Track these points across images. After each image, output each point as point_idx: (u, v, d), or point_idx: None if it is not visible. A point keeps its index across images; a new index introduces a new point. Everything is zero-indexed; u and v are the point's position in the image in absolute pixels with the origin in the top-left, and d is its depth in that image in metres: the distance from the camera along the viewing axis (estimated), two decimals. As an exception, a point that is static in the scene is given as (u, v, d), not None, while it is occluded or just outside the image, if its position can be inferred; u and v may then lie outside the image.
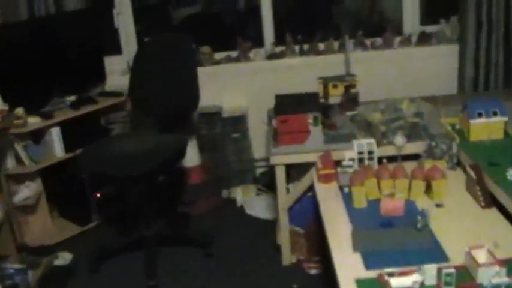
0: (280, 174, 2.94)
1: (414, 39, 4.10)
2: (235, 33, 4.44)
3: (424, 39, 4.08)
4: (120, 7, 4.14)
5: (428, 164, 2.63)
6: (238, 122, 4.01)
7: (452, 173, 2.71)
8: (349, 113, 3.35)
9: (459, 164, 2.78)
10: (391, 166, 2.57)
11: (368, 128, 2.93)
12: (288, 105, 2.88)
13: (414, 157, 2.86)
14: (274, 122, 2.91)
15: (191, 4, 5.06)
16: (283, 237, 3.10)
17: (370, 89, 3.50)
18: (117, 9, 4.14)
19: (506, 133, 2.85)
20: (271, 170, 4.14)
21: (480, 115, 2.81)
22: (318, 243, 3.07)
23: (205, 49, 4.14)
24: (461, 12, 3.82)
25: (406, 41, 4.10)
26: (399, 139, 2.79)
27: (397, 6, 4.24)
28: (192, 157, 3.79)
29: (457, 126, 3.03)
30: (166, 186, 3.56)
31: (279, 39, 4.20)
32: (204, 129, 3.99)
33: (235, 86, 4.09)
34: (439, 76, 4.03)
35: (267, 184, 4.05)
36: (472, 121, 2.81)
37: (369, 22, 4.58)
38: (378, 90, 3.69)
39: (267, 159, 4.22)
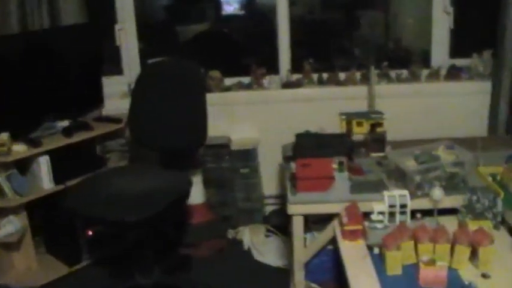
0: (298, 225, 2.57)
1: (443, 73, 3.76)
2: (247, 56, 4.11)
3: (454, 73, 3.74)
4: (122, 23, 3.80)
5: (472, 225, 2.28)
6: (248, 155, 3.67)
7: (496, 233, 2.35)
8: (374, 155, 3.01)
9: (503, 222, 2.43)
10: (430, 226, 2.22)
11: (400, 177, 2.58)
12: (310, 147, 2.53)
13: (450, 211, 2.51)
14: (292, 166, 2.56)
15: (201, 21, 4.71)
16: (298, 295, 2.74)
17: (395, 127, 3.13)
18: (120, 25, 3.80)
19: (557, 188, 2.51)
20: (282, 209, 3.80)
21: (529, 168, 2.46)
22: (337, 304, 2.70)
23: (215, 73, 3.80)
24: (498, 47, 3.48)
25: (434, 75, 3.76)
26: (437, 192, 2.43)
27: (422, 35, 3.92)
28: (196, 194, 3.43)
29: (498, 177, 2.68)
30: (166, 227, 3.19)
31: (296, 67, 3.86)
32: (210, 162, 3.64)
33: (246, 116, 3.74)
34: (469, 115, 3.69)
35: (278, 225, 3.69)
36: (520, 175, 2.46)
37: (391, 52, 4.23)
38: (403, 129, 3.35)
39: (278, 197, 3.87)
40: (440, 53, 3.83)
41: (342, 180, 2.54)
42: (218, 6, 4.58)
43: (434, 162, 2.52)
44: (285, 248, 3.45)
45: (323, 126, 3.61)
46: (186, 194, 2.82)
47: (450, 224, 2.39)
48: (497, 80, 3.55)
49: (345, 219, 2.35)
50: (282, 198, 3.85)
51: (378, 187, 2.55)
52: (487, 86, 3.65)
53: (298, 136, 2.77)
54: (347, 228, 2.33)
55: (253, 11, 4.60)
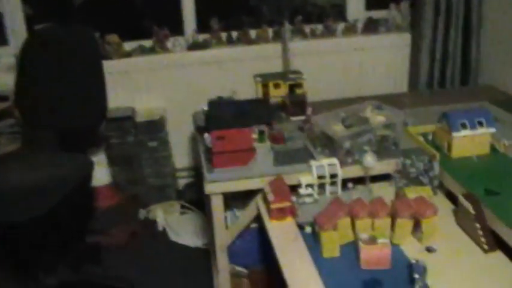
0: (217, 206, 2.27)
1: (360, 26, 3.53)
2: (148, 16, 3.70)
3: (371, 26, 3.52)
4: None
5: (410, 193, 2.06)
6: (156, 127, 3.31)
7: (434, 199, 2.16)
8: (295, 119, 2.74)
9: (441, 187, 2.24)
10: (366, 198, 1.98)
11: (327, 143, 2.32)
12: (225, 117, 2.21)
13: (383, 177, 2.30)
14: (207, 139, 2.24)
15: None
16: (222, 281, 2.45)
17: (313, 87, 2.84)
18: (1, -12, 3.30)
19: (492, 147, 2.34)
20: (197, 182, 3.50)
21: (464, 126, 2.27)
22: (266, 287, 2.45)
23: (113, 38, 3.38)
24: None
25: (351, 29, 3.52)
26: (369, 158, 2.20)
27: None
28: (100, 175, 3.05)
29: (430, 137, 2.49)
30: (67, 218, 2.80)
31: (202, 26, 3.51)
32: (114, 138, 3.26)
33: (151, 83, 3.37)
34: (390, 70, 3.51)
35: (194, 200, 3.39)
36: (455, 134, 2.26)
37: (303, 5, 3.95)
38: (322, 88, 3.11)
39: (191, 169, 3.56)
40: (355, 5, 3.58)
41: (263, 152, 2.25)
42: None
43: (364, 126, 2.28)
44: (203, 226, 3.16)
45: (236, 90, 3.32)
46: (88, 178, 2.45)
47: (385, 192, 2.18)
48: (417, 32, 3.35)
49: (270, 197, 2.07)
50: (195, 170, 3.55)
51: (303, 157, 2.28)
52: (406, 38, 3.46)
53: (211, 104, 2.45)
54: (274, 206, 2.05)
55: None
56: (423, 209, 1.90)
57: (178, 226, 3.22)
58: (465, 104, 2.89)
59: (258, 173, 2.21)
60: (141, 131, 3.28)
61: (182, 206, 3.39)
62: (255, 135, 2.22)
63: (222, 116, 2.20)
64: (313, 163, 2.16)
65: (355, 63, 3.46)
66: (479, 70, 3.38)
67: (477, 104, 2.93)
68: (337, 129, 2.32)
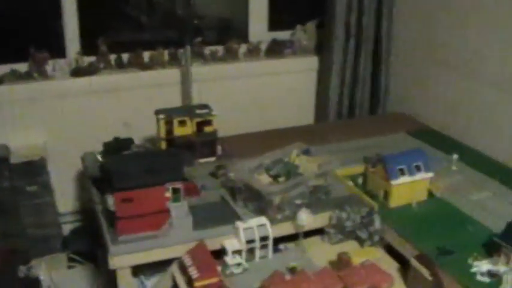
0: (125, 282, 1.86)
1: (263, 47, 3.25)
2: (22, 35, 3.17)
3: (276, 49, 3.25)
4: None
5: (356, 257, 1.80)
6: (35, 168, 2.81)
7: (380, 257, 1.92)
8: (203, 160, 2.41)
9: (381, 240, 2.00)
10: (309, 271, 1.69)
11: (249, 196, 1.99)
12: (132, 174, 1.81)
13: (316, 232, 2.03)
14: (109, 201, 1.83)
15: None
16: None
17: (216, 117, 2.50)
18: None
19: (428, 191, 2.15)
20: (84, 226, 3.05)
21: (402, 172, 2.04)
22: None
23: (-22, 62, 2.84)
24: (327, 15, 3.03)
25: (254, 51, 3.22)
26: (303, 216, 1.91)
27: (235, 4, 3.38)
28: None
29: (360, 181, 2.24)
30: None
31: (88, 46, 3.04)
32: (-16, 182, 2.72)
33: (27, 116, 2.86)
34: (297, 96, 3.26)
35: (83, 250, 2.93)
36: (393, 182, 2.02)
37: (201, 25, 3.58)
38: (226, 119, 2.78)
39: (78, 212, 3.09)
40: (258, 26, 3.29)
41: (179, 213, 1.88)
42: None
43: (295, 177, 1.98)
44: (96, 280, 2.73)
45: (129, 122, 2.93)
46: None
47: (320, 251, 1.91)
48: (326, 56, 3.11)
49: (193, 272, 1.71)
50: (83, 214, 3.09)
51: (225, 215, 1.95)
52: (313, 61, 3.23)
53: (109, 152, 2.05)
54: (199, 284, 1.69)
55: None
56: (377, 279, 1.65)
57: (67, 283, 2.76)
58: (385, 137, 2.71)
59: (174, 239, 1.85)
60: (17, 175, 2.76)
61: (70, 259, 2.91)
62: (168, 194, 1.84)
63: (128, 172, 1.80)
64: (240, 225, 1.84)
65: (260, 90, 3.18)
66: (388, 97, 3.22)
67: (395, 135, 2.76)
68: (263, 180, 2.01)
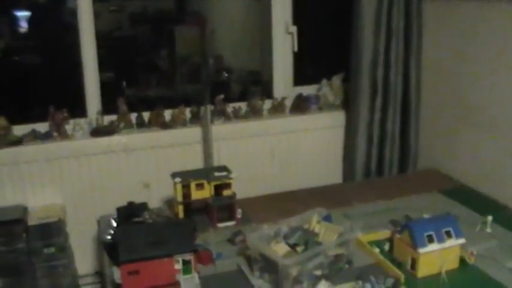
0: None
1: (288, 103, 3.16)
2: (42, 94, 3.15)
3: (301, 105, 3.16)
4: None
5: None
6: (53, 230, 2.74)
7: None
8: (222, 225, 2.31)
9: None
10: None
11: (267, 267, 1.87)
12: (138, 244, 1.72)
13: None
14: (115, 273, 1.73)
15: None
16: None
17: (237, 177, 2.36)
18: None
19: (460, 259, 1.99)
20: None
21: (430, 240, 1.89)
22: None
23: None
24: (353, 69, 2.94)
25: (279, 108, 3.14)
26: (322, 289, 1.77)
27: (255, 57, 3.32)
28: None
29: (386, 247, 2.10)
30: None
31: (107, 104, 3.01)
32: (0, 244, 2.66)
33: (46, 176, 2.82)
34: (323, 154, 3.15)
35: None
36: (421, 250, 1.88)
37: (223, 82, 3.54)
38: (247, 179, 2.69)
39: (98, 273, 3.01)
40: (283, 81, 3.22)
41: (190, 286, 1.76)
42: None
43: (314, 247, 1.85)
44: None
45: (148, 183, 2.87)
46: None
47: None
48: (353, 112, 3.01)
49: None
50: (103, 275, 3.00)
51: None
52: (340, 117, 3.13)
53: (120, 213, 1.95)
54: None
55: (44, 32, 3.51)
56: None
57: None
58: (416, 196, 2.57)
59: (183, 315, 1.72)
60: (34, 236, 2.71)
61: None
62: (178, 266, 1.73)
63: (134, 243, 1.71)
64: (255, 301, 1.71)
65: (284, 147, 3.08)
66: (418, 154, 3.08)
67: (426, 194, 2.61)
68: (280, 249, 1.88)
